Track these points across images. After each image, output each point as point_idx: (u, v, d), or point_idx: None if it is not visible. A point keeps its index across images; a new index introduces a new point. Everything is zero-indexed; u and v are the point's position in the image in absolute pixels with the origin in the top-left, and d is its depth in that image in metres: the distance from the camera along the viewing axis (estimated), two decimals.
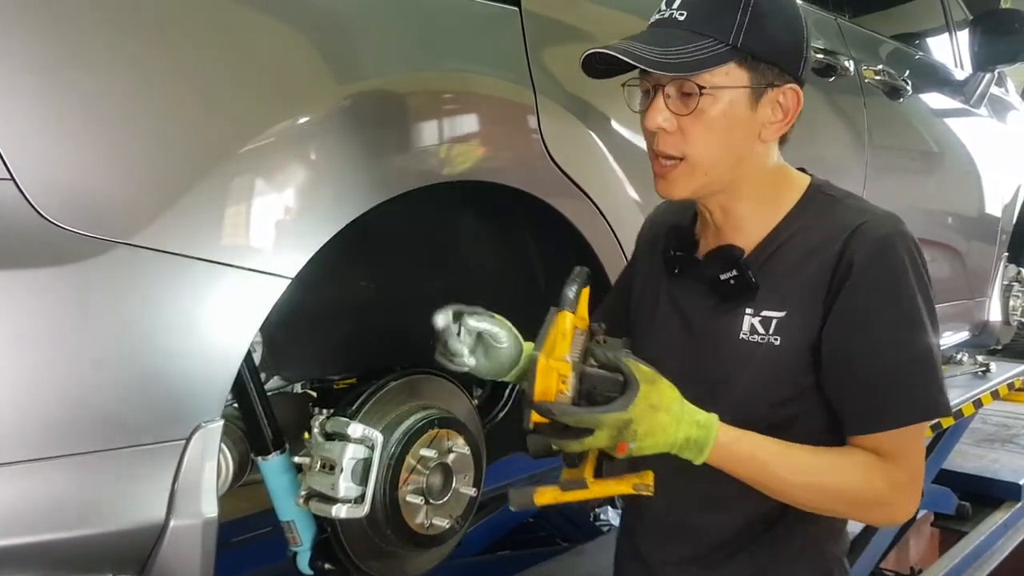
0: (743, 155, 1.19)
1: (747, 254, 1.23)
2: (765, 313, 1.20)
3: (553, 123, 1.62)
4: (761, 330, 1.20)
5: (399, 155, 1.39)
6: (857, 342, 1.15)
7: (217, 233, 1.13)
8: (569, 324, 1.06)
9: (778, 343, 1.19)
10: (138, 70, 1.10)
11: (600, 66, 1.17)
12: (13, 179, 0.99)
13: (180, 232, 1.10)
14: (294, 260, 1.21)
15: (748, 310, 1.21)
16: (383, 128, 1.36)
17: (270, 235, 1.19)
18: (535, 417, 1.04)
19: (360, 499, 1.40)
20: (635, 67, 1.14)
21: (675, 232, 1.33)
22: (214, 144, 1.16)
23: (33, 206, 1.01)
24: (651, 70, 1.13)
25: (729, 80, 1.14)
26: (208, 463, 1.12)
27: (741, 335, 1.22)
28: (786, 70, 1.17)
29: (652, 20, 1.18)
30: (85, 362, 1.04)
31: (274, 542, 1.81)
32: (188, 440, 1.10)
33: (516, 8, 1.56)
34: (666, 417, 1.06)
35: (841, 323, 1.16)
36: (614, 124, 1.76)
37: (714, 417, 1.10)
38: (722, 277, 1.22)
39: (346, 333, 1.79)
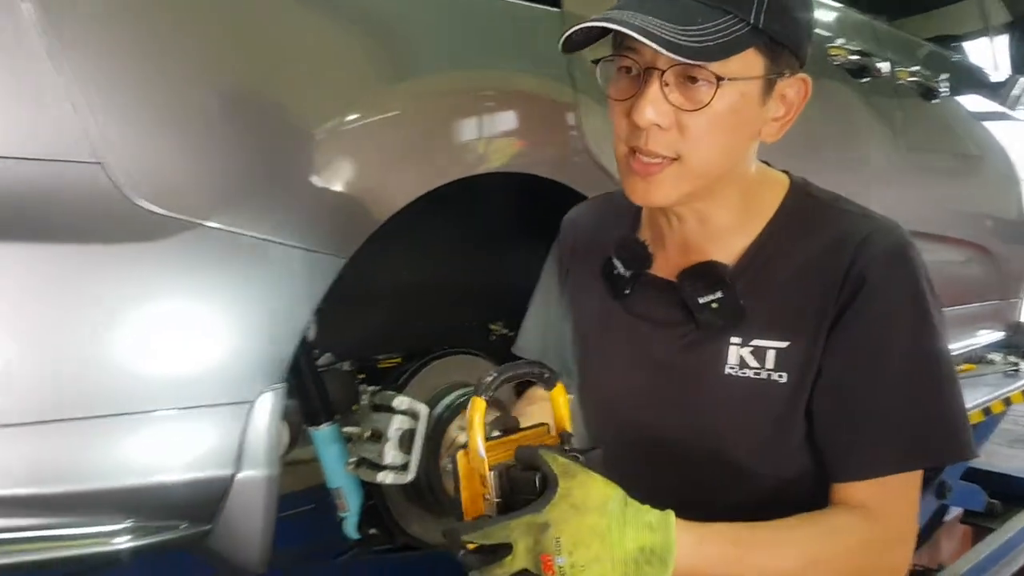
0: (741, 156, 1.01)
1: (728, 270, 1.03)
2: (758, 343, 1.00)
3: (592, 119, 1.71)
4: (754, 363, 1.01)
5: (446, 147, 1.49)
6: (866, 371, 0.97)
7: (282, 215, 1.24)
8: (480, 412, 0.86)
9: (784, 381, 0.99)
10: (216, 66, 1.21)
11: (578, 36, 0.95)
12: (101, 163, 1.11)
13: (249, 213, 1.21)
14: (350, 241, 1.32)
15: (734, 339, 1.01)
16: (433, 122, 1.46)
17: (329, 217, 1.30)
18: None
19: (405, 467, 1.51)
20: (645, 44, 0.89)
21: (624, 245, 1.11)
22: (282, 134, 1.27)
23: (119, 187, 1.12)
24: (665, 52, 0.88)
25: (746, 68, 0.93)
26: (272, 423, 1.23)
27: (727, 369, 1.02)
28: (798, 56, 0.98)
29: None
30: (165, 329, 1.15)
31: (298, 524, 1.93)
32: (255, 402, 1.22)
33: (558, 10, 1.66)
34: (600, 521, 0.80)
35: (847, 348, 0.98)
36: None
37: (669, 515, 0.86)
38: (702, 300, 1.01)
39: (392, 315, 1.90)
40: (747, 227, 1.05)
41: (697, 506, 0.90)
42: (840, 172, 2.47)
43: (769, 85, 0.97)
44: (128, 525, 1.14)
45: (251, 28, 1.26)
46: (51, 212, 1.10)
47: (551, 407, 0.97)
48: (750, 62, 0.94)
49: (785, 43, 0.95)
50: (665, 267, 1.08)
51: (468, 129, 1.52)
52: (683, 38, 0.88)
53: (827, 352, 0.98)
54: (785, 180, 1.09)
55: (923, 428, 0.97)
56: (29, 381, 1.07)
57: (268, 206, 1.23)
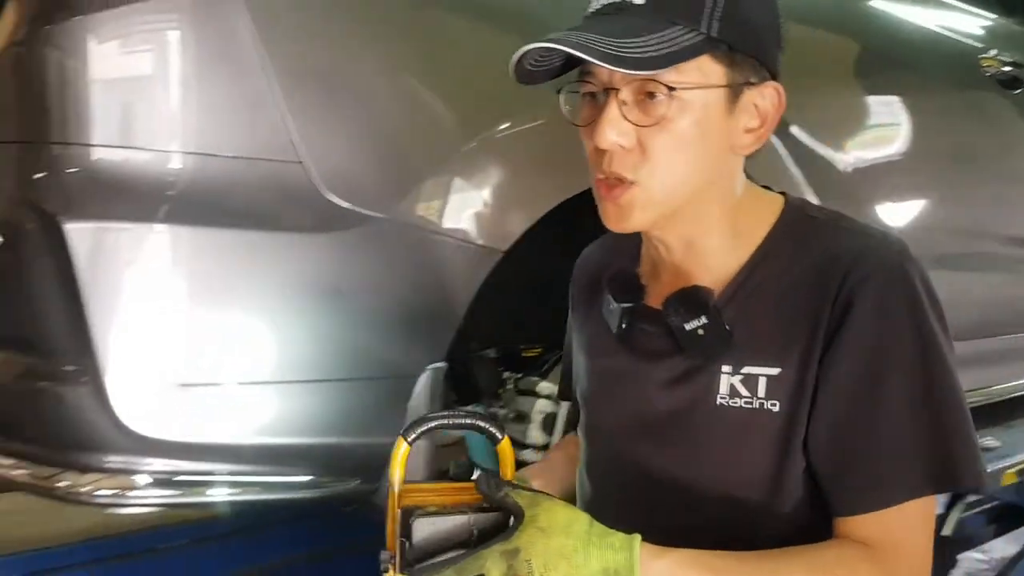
0: (714, 174, 0.95)
1: (718, 295, 0.97)
2: (749, 370, 0.95)
3: None
4: (745, 392, 0.95)
5: None
6: (862, 395, 0.91)
7: (451, 210, 1.39)
8: (400, 453, 0.88)
9: (777, 409, 0.93)
10: (396, 81, 1.38)
11: (532, 65, 0.93)
12: (301, 163, 1.29)
13: (422, 209, 1.37)
14: (508, 236, 1.45)
15: (725, 367, 0.96)
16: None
17: (492, 214, 1.43)
18: None
19: (546, 446, 1.64)
20: (585, 62, 0.88)
21: (616, 279, 1.08)
22: (451, 138, 1.42)
23: (314, 183, 1.30)
24: (605, 66, 0.86)
25: (703, 78, 0.89)
26: (432, 398, 1.38)
27: (719, 400, 0.96)
28: (765, 63, 0.94)
29: (597, 6, 0.94)
30: (347, 309, 1.32)
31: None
32: (419, 378, 1.37)
33: None
34: (565, 541, 0.81)
35: (841, 372, 0.91)
36: (793, 130, 1.90)
37: (635, 538, 0.84)
38: (687, 327, 0.96)
39: (537, 307, 2.02)
40: (738, 250, 0.99)
41: (698, 542, 0.88)
42: (991, 184, 2.44)
43: (734, 95, 0.92)
44: (310, 479, 1.31)
45: (425, 47, 1.42)
46: (258, 203, 1.29)
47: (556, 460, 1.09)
48: (707, 72, 0.90)
49: (745, 51, 0.92)
50: (660, 298, 1.02)
51: None
52: (624, 50, 0.85)
53: (821, 377, 0.92)
54: (779, 200, 1.03)
55: (925, 453, 0.90)
56: (242, 347, 1.26)
57: (438, 203, 1.39)
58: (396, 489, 0.87)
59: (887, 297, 0.91)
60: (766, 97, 0.94)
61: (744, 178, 1.00)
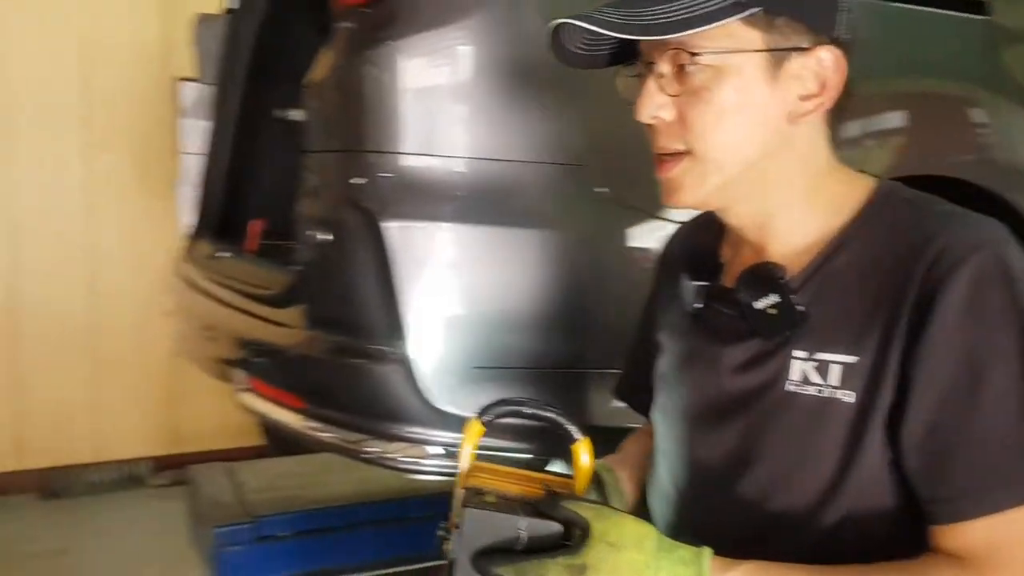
0: (770, 145, 0.89)
1: (795, 275, 0.91)
2: (823, 356, 0.88)
3: (1010, 120, 1.73)
4: (818, 379, 0.88)
5: (860, 150, 1.61)
6: (963, 391, 0.82)
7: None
8: (473, 433, 0.88)
9: (851, 400, 0.87)
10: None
11: (582, 49, 0.93)
12: (582, 166, 1.43)
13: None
14: None
15: (798, 352, 0.90)
16: (848, 126, 1.59)
17: None
18: None
19: None
20: (613, 37, 0.86)
21: (694, 257, 1.04)
22: None
23: (590, 184, 1.43)
24: (611, 33, 0.85)
25: (734, 43, 0.85)
26: None
27: (788, 385, 0.90)
28: (815, 27, 0.87)
29: None
30: (621, 300, 1.43)
31: None
32: None
33: (987, 18, 1.71)
34: (636, 556, 0.80)
35: (934, 364, 0.83)
36: None
37: (705, 551, 0.83)
38: (757, 305, 0.90)
39: None
40: (820, 230, 0.93)
41: (763, 549, 0.86)
42: None
43: (776, 61, 0.87)
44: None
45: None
46: (539, 203, 1.44)
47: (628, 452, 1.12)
48: (739, 37, 0.85)
49: (786, 15, 0.86)
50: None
51: (885, 132, 1.63)
52: (635, 19, 0.84)
53: (910, 371, 0.84)
54: (872, 182, 0.95)
55: None
56: (524, 335, 1.41)
57: None
58: (463, 466, 0.87)
59: (982, 286, 0.82)
60: (822, 62, 0.88)
61: (829, 155, 0.94)
